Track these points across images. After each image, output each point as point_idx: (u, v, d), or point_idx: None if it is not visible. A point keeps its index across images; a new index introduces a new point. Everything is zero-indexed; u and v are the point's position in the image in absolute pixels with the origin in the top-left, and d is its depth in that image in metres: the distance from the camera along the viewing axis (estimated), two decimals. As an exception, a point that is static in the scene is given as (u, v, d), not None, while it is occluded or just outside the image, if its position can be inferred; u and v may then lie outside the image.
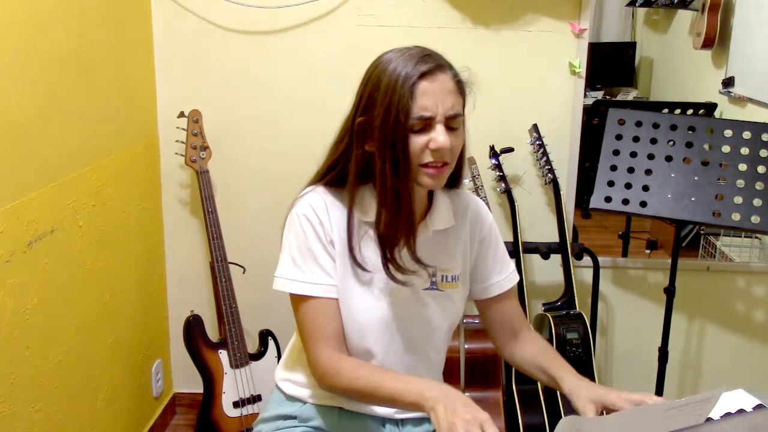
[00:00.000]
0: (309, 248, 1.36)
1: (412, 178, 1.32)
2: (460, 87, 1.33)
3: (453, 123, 1.31)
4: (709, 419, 1.21)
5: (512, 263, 1.56)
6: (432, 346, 1.48)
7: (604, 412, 1.28)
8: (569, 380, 1.36)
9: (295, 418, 1.48)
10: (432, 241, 1.44)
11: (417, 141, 1.29)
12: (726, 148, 2.09)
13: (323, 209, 1.37)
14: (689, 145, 2.12)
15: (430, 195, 1.45)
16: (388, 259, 1.36)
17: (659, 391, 2.28)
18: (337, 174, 1.39)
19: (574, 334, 2.30)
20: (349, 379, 1.31)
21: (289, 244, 1.38)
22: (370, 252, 1.39)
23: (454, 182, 1.46)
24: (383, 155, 1.30)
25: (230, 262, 2.39)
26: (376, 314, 1.40)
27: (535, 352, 1.49)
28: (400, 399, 1.25)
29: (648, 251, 3.09)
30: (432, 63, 1.29)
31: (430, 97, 1.28)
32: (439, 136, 1.28)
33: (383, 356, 1.42)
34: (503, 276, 1.53)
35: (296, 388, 1.50)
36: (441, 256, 1.45)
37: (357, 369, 1.33)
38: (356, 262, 1.37)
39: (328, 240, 1.37)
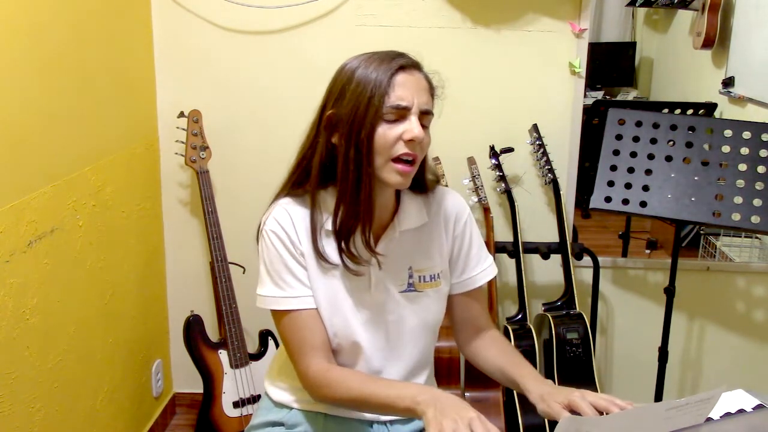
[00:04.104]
0: (283, 263, 1.37)
1: (377, 175, 1.31)
2: (432, 89, 1.35)
3: (425, 120, 1.32)
4: (709, 419, 1.21)
5: (489, 258, 1.54)
6: (416, 346, 1.47)
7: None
8: (533, 386, 1.32)
9: (282, 424, 1.48)
10: (403, 242, 1.43)
11: (390, 132, 1.28)
12: (726, 148, 2.09)
13: (288, 222, 1.37)
14: (689, 145, 2.12)
15: (398, 197, 1.44)
16: (342, 250, 1.35)
17: (659, 391, 2.29)
18: (303, 170, 1.38)
19: (574, 334, 2.30)
20: (341, 390, 1.32)
21: (264, 261, 1.39)
22: (333, 251, 1.38)
23: (420, 188, 1.44)
24: (349, 141, 1.29)
25: (230, 262, 2.39)
26: (352, 320, 1.40)
27: (496, 354, 1.47)
28: (393, 406, 1.26)
29: (648, 251, 3.09)
30: (409, 59, 1.32)
31: (408, 89, 1.29)
32: (414, 127, 1.28)
33: (366, 363, 1.42)
34: (478, 271, 1.51)
35: (282, 395, 1.51)
36: (416, 257, 1.44)
37: (348, 379, 1.33)
38: (321, 257, 1.36)
39: (298, 252, 1.37)
